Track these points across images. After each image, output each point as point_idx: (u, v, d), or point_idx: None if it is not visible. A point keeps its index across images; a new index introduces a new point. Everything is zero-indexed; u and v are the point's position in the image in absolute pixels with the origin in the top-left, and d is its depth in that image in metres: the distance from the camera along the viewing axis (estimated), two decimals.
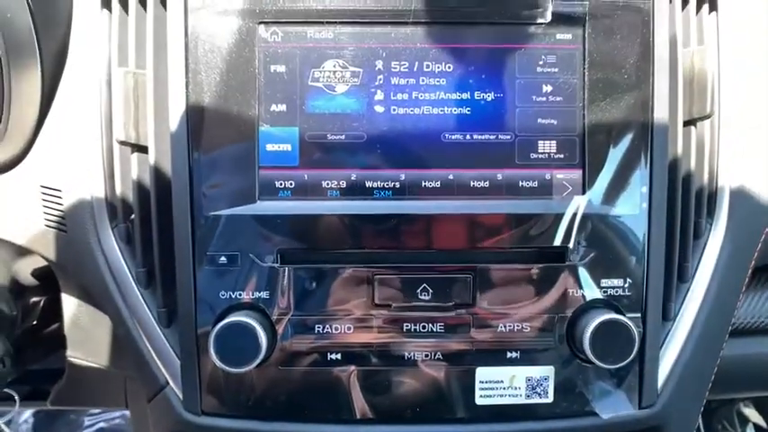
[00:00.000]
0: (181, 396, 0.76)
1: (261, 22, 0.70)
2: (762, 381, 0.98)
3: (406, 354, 0.74)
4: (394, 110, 0.72)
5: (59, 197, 0.77)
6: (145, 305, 0.77)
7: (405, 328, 0.73)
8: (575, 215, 0.72)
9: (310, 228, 0.72)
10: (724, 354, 0.81)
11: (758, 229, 0.79)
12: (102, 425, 1.91)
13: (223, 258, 0.72)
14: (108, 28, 0.75)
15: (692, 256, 0.78)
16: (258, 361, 0.69)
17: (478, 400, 0.75)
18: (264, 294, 0.72)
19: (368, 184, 0.72)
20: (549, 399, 0.75)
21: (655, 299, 0.74)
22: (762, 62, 0.78)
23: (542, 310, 0.73)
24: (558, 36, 0.72)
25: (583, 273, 0.73)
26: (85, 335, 0.89)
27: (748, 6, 0.78)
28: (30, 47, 0.72)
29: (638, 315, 0.73)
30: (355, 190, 0.72)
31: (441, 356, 0.74)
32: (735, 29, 0.77)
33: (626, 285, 0.73)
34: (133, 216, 0.76)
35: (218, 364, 0.69)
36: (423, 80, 0.72)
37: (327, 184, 0.72)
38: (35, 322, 0.95)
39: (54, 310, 0.91)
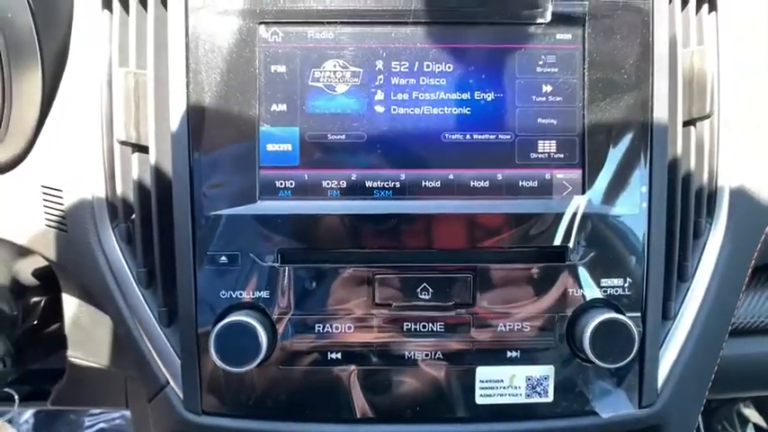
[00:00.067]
0: (181, 396, 0.76)
1: (261, 23, 0.71)
2: (762, 380, 0.99)
3: (407, 353, 0.74)
4: (394, 110, 0.72)
5: (60, 197, 0.77)
6: (145, 305, 0.77)
7: (405, 327, 0.74)
8: (574, 215, 0.72)
9: (310, 227, 0.72)
10: (724, 353, 0.81)
11: (758, 229, 0.79)
12: (102, 425, 1.91)
13: (223, 258, 0.72)
14: (109, 28, 0.75)
15: (691, 255, 0.78)
16: (258, 360, 0.69)
17: (478, 400, 0.75)
18: (265, 294, 0.72)
19: (368, 183, 0.72)
20: (549, 398, 0.75)
21: (655, 298, 0.74)
22: (761, 62, 0.78)
23: (542, 309, 0.73)
24: (558, 36, 0.72)
25: (583, 272, 0.73)
26: (86, 335, 0.89)
27: (748, 6, 0.78)
28: (30, 47, 0.72)
29: (638, 314, 0.74)
30: (355, 190, 0.72)
31: (441, 356, 0.74)
32: (734, 29, 0.77)
33: (626, 285, 0.73)
34: (134, 216, 0.76)
35: (219, 363, 0.69)
36: (423, 80, 0.72)
37: (328, 184, 0.72)
38: (36, 322, 0.96)
39: (54, 310, 0.91)
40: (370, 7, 0.71)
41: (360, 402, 0.75)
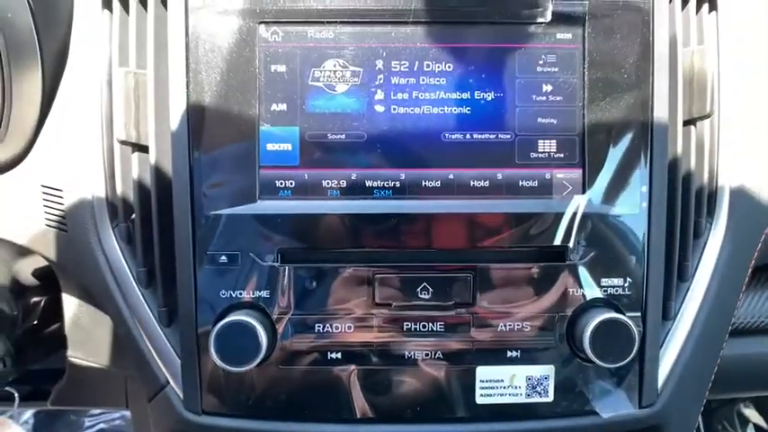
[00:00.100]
0: (181, 395, 0.76)
1: (261, 22, 0.71)
2: (762, 380, 0.98)
3: (407, 353, 0.74)
4: (394, 109, 0.72)
5: (60, 197, 0.77)
6: (145, 305, 0.77)
7: (405, 327, 0.74)
8: (575, 214, 0.72)
9: (310, 227, 0.72)
10: (724, 353, 0.81)
11: (758, 229, 0.79)
12: (102, 426, 1.91)
13: (223, 258, 0.72)
14: (109, 28, 0.75)
15: (692, 255, 0.78)
16: (258, 360, 0.69)
17: (479, 400, 0.75)
18: (265, 293, 0.72)
19: (368, 183, 0.72)
20: (550, 398, 0.75)
21: (655, 298, 0.74)
22: (761, 62, 0.78)
23: (542, 309, 0.73)
24: (558, 35, 0.72)
25: (583, 272, 0.73)
26: (86, 335, 0.89)
27: (748, 6, 0.78)
28: (30, 47, 0.72)
29: (638, 314, 0.74)
30: (355, 189, 0.72)
31: (441, 356, 0.74)
32: (734, 28, 0.77)
33: (626, 284, 0.73)
34: (134, 216, 0.76)
35: (219, 363, 0.69)
36: (423, 80, 0.72)
37: (328, 184, 0.72)
38: (36, 322, 0.96)
39: (54, 310, 0.91)
40: (370, 7, 0.71)
41: (360, 402, 0.75)
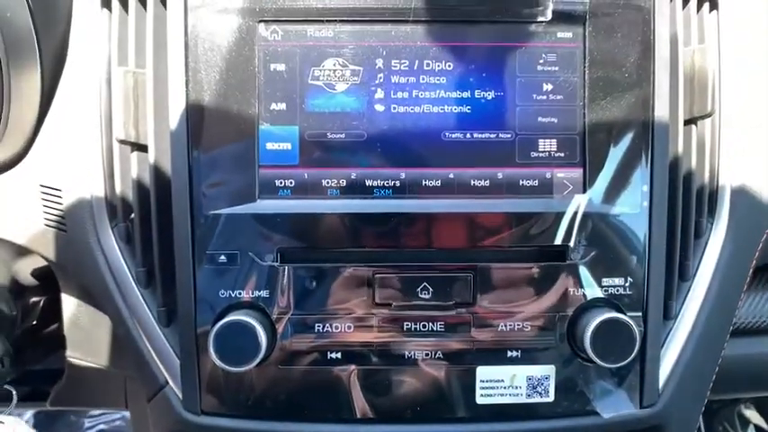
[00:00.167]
0: (180, 396, 0.76)
1: (261, 21, 0.70)
2: (763, 381, 0.98)
3: (407, 353, 0.74)
4: (394, 108, 0.72)
5: (59, 196, 0.77)
6: (144, 305, 0.76)
7: (405, 327, 0.73)
8: (575, 214, 0.72)
9: (310, 227, 0.72)
10: (725, 353, 0.81)
11: (759, 228, 0.79)
12: (102, 426, 1.91)
13: (223, 257, 0.72)
14: (108, 27, 0.75)
15: (693, 254, 0.78)
16: (258, 360, 0.69)
17: (479, 400, 0.75)
18: (264, 293, 0.72)
19: (368, 182, 0.72)
20: (550, 398, 0.75)
21: (656, 298, 0.74)
22: (762, 61, 0.78)
23: (543, 308, 0.73)
24: (559, 34, 0.72)
25: (583, 271, 0.73)
26: (85, 335, 0.88)
27: (749, 5, 0.78)
28: (29, 46, 0.72)
29: (639, 314, 0.73)
30: (355, 189, 0.72)
31: (441, 356, 0.74)
32: (735, 27, 0.77)
33: (627, 284, 0.73)
34: (133, 215, 0.76)
35: (218, 363, 0.69)
36: (423, 79, 0.72)
37: (327, 183, 0.72)
38: (35, 322, 0.95)
39: (54, 311, 0.91)
40: (370, 5, 0.70)
41: (360, 402, 0.74)
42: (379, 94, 0.72)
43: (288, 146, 0.72)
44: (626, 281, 0.73)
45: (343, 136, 0.72)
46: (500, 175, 0.73)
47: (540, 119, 0.72)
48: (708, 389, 0.82)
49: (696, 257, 0.78)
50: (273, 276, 0.72)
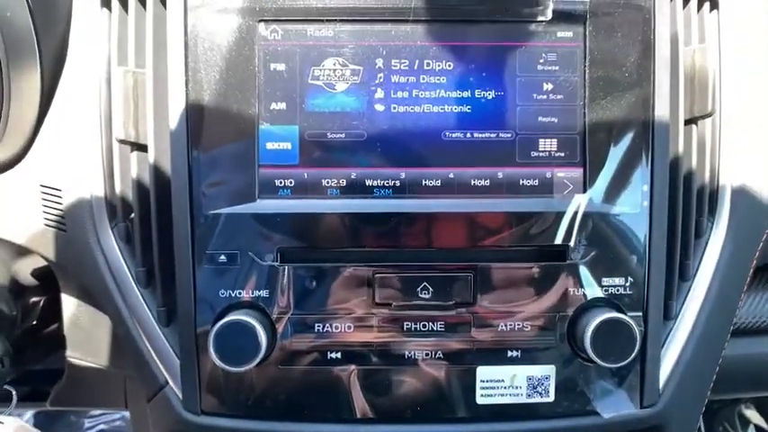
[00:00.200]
0: (180, 396, 0.76)
1: (261, 20, 0.70)
2: (763, 381, 0.98)
3: (407, 353, 0.74)
4: (394, 108, 0.72)
5: (59, 196, 0.76)
6: (144, 304, 0.76)
7: (405, 327, 0.73)
8: (575, 213, 0.72)
9: (310, 226, 0.72)
10: (726, 353, 0.81)
11: (760, 228, 0.79)
12: (102, 427, 1.91)
13: (223, 257, 0.72)
14: (108, 27, 0.75)
15: (693, 254, 0.78)
16: (258, 360, 0.69)
17: (479, 400, 0.75)
18: (264, 293, 0.72)
19: (368, 182, 0.72)
20: (551, 398, 0.74)
21: (656, 297, 0.74)
22: (763, 60, 0.78)
23: (543, 308, 0.73)
24: (559, 34, 0.72)
25: (584, 271, 0.73)
26: (85, 335, 0.88)
27: (749, 4, 0.78)
28: (29, 46, 0.72)
29: (640, 314, 0.73)
30: (355, 188, 0.72)
31: (441, 355, 0.74)
32: (736, 27, 0.77)
33: (627, 284, 0.73)
34: (133, 215, 0.76)
35: (218, 363, 0.69)
36: (423, 78, 0.72)
37: (327, 183, 0.72)
38: (35, 322, 0.95)
39: (54, 311, 0.91)
40: (370, 5, 0.70)
41: (360, 402, 0.74)
42: (379, 93, 0.72)
43: (288, 145, 0.72)
44: (626, 281, 0.73)
45: (343, 136, 0.72)
46: (500, 175, 0.73)
47: (540, 118, 0.72)
48: (708, 389, 0.82)
49: (696, 257, 0.78)
50: (273, 276, 0.72)
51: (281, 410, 0.74)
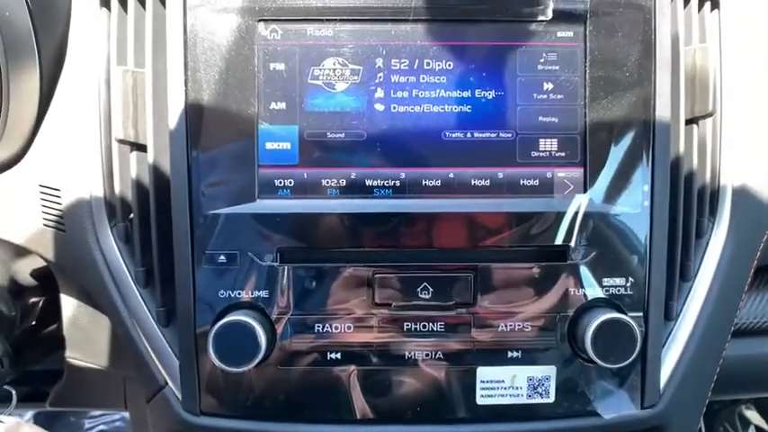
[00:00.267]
0: (180, 396, 0.76)
1: (260, 20, 0.70)
2: (764, 381, 0.98)
3: (407, 353, 0.73)
4: (394, 108, 0.72)
5: (58, 196, 0.76)
6: (144, 305, 0.76)
7: (405, 327, 0.73)
8: (576, 214, 0.72)
9: (310, 226, 0.72)
10: (726, 354, 0.81)
11: (761, 228, 0.79)
12: (102, 427, 1.91)
13: (222, 257, 0.71)
14: (107, 26, 0.75)
15: (694, 255, 0.77)
16: (257, 360, 0.69)
17: (479, 400, 0.74)
18: (264, 293, 0.72)
19: (368, 182, 0.72)
20: (551, 399, 0.74)
21: (657, 298, 0.74)
22: (764, 60, 0.78)
23: (544, 309, 0.73)
24: (560, 34, 0.72)
25: (584, 272, 0.72)
26: (84, 335, 0.88)
27: (750, 4, 0.78)
28: (28, 45, 0.72)
29: (641, 314, 0.73)
30: (355, 188, 0.72)
31: (441, 356, 0.74)
32: (737, 27, 0.77)
33: (628, 284, 0.73)
34: (132, 215, 0.76)
35: (218, 363, 0.69)
36: (423, 78, 0.71)
37: (327, 183, 0.72)
38: (34, 323, 0.95)
39: (53, 311, 0.91)
40: (370, 4, 0.70)
41: (359, 403, 0.74)
42: (379, 93, 0.71)
43: (287, 145, 0.72)
44: (627, 281, 0.73)
45: (342, 135, 0.72)
46: (500, 175, 0.72)
47: (540, 118, 0.72)
48: (709, 389, 0.82)
49: (697, 257, 0.78)
50: (273, 276, 0.72)
51: (280, 411, 0.74)
